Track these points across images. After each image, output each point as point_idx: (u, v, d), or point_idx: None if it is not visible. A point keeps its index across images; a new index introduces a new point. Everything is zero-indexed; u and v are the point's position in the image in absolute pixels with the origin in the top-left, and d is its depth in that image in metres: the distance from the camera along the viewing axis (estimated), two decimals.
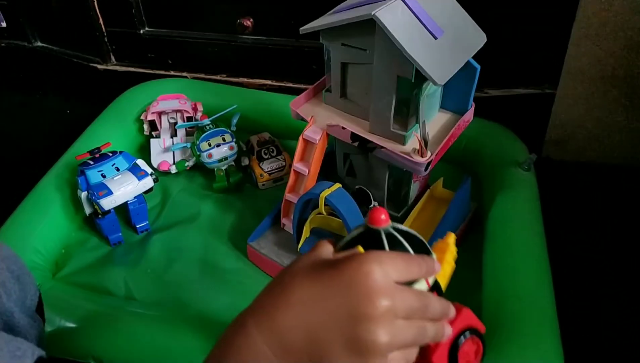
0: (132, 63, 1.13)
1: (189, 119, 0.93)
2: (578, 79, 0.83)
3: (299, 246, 0.69)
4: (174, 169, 0.90)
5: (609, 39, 0.78)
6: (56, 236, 0.76)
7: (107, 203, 0.73)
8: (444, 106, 0.68)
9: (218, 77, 1.06)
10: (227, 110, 0.91)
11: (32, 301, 0.51)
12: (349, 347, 0.30)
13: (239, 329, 0.33)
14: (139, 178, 0.76)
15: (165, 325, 0.61)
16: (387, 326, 0.30)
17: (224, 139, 0.87)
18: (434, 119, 0.66)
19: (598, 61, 0.81)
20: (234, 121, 0.91)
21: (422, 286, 0.34)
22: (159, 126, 0.94)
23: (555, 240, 0.69)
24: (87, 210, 0.77)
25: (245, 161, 0.90)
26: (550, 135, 0.90)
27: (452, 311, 0.35)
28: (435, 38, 0.55)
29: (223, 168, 0.88)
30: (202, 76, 1.07)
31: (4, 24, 1.17)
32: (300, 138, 0.67)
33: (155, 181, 0.79)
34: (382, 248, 0.35)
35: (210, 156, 0.86)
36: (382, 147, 0.61)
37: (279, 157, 0.88)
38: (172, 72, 1.09)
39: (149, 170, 0.79)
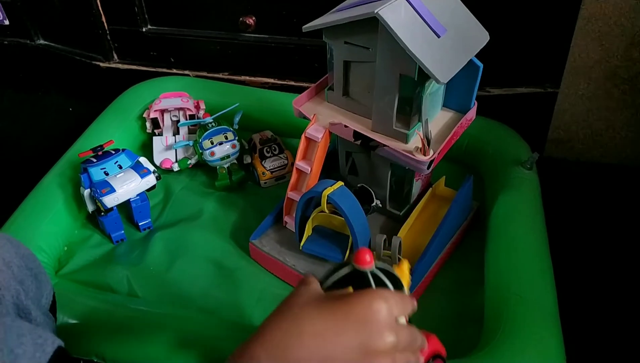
0: (135, 61, 1.13)
1: (192, 117, 0.94)
2: (580, 78, 0.83)
3: (301, 244, 0.69)
4: (176, 167, 0.90)
5: (611, 38, 0.78)
6: (59, 234, 0.76)
7: (110, 201, 0.73)
8: (446, 105, 0.68)
9: (220, 76, 1.06)
10: (230, 108, 0.91)
11: (47, 300, 0.51)
12: None
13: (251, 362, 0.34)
14: (142, 176, 0.76)
15: (167, 322, 0.61)
16: (390, 358, 0.34)
17: (226, 138, 0.87)
18: (437, 118, 0.66)
19: (601, 59, 0.81)
20: (237, 119, 0.91)
21: (402, 320, 0.37)
22: (161, 124, 0.94)
23: (557, 239, 0.69)
24: (90, 208, 0.77)
25: (247, 159, 0.91)
26: (552, 134, 0.90)
27: (425, 341, 0.39)
28: (438, 36, 0.55)
29: (225, 166, 0.88)
30: (205, 74, 1.07)
31: (6, 22, 1.17)
32: (303, 136, 0.67)
33: (157, 178, 0.79)
34: (370, 286, 0.39)
35: (212, 154, 0.86)
36: (384, 145, 0.61)
37: (281, 155, 0.89)
38: (175, 70, 1.09)
39: (152, 168, 0.79)
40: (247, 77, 1.05)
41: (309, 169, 0.67)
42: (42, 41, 1.19)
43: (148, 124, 0.95)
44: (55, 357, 0.37)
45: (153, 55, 1.10)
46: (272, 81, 1.03)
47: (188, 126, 0.94)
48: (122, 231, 0.79)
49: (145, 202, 0.80)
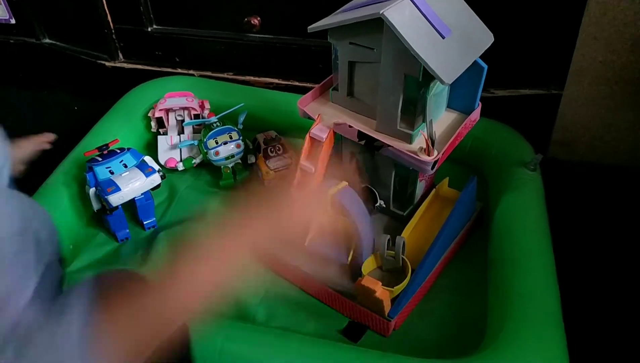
0: (140, 60, 1.13)
1: (196, 116, 0.94)
2: (584, 80, 0.83)
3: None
4: (181, 167, 0.91)
5: (615, 41, 0.78)
6: (64, 232, 0.77)
7: (115, 199, 0.74)
8: (450, 106, 0.68)
9: (225, 75, 1.06)
10: (234, 108, 0.91)
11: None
12: None
13: None
14: (147, 175, 0.77)
15: None
16: None
17: (230, 137, 0.87)
18: (441, 118, 0.67)
19: (604, 62, 0.81)
20: (241, 118, 0.92)
21: None
22: (166, 124, 0.94)
23: (561, 239, 0.69)
24: (95, 206, 0.78)
25: (251, 159, 0.91)
26: (556, 135, 0.90)
27: None
28: (443, 37, 0.55)
29: (230, 165, 0.89)
30: (209, 74, 1.07)
31: (13, 21, 1.18)
32: (307, 136, 0.67)
33: (162, 177, 0.79)
34: None
35: (217, 153, 0.86)
36: (388, 146, 0.61)
37: (285, 155, 0.89)
38: (180, 70, 1.09)
39: (157, 167, 0.79)
40: (252, 78, 1.05)
41: (314, 169, 0.68)
42: (47, 40, 1.20)
43: (153, 124, 0.95)
44: None
45: (158, 54, 1.11)
46: (276, 81, 1.04)
47: (193, 126, 0.94)
48: (127, 230, 0.79)
49: (150, 201, 0.80)
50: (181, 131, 0.94)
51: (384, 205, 0.72)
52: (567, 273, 0.65)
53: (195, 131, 0.95)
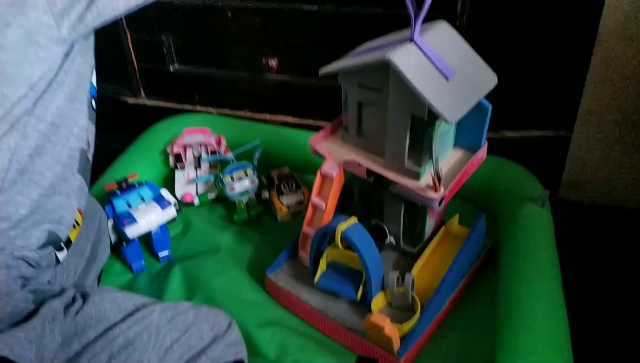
0: (161, 98, 1.18)
1: (213, 152, 0.97)
2: (593, 122, 0.84)
3: (316, 279, 0.70)
4: (196, 201, 0.93)
5: (622, 85, 0.80)
6: None
7: (132, 232, 0.76)
8: (457, 144, 0.69)
9: (242, 113, 1.10)
10: (250, 145, 0.94)
11: None
12: None
13: None
14: (163, 208, 0.80)
15: None
16: None
17: (246, 173, 0.90)
18: (448, 156, 0.68)
19: (613, 105, 0.82)
20: (256, 155, 0.95)
21: None
22: (183, 159, 0.98)
23: (571, 281, 0.68)
24: (113, 238, 0.80)
25: (265, 195, 0.93)
26: (566, 177, 0.91)
27: None
28: (447, 79, 0.57)
29: (244, 200, 0.91)
30: (227, 111, 1.11)
31: None
32: (318, 173, 0.69)
33: (178, 210, 0.82)
34: None
35: (232, 189, 0.89)
36: (396, 183, 0.62)
37: (298, 191, 0.91)
38: (199, 107, 1.14)
39: (172, 200, 0.82)
40: (268, 115, 1.08)
41: (324, 205, 0.69)
42: None
43: (171, 159, 0.99)
44: None
45: (179, 92, 1.16)
46: (291, 119, 1.07)
47: (209, 161, 0.97)
48: (142, 262, 0.81)
49: (166, 233, 0.82)
50: (198, 166, 0.97)
51: (394, 242, 0.73)
52: (577, 314, 0.64)
53: (211, 166, 0.98)
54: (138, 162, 0.97)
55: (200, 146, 0.98)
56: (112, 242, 0.81)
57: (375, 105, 0.64)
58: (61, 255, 0.60)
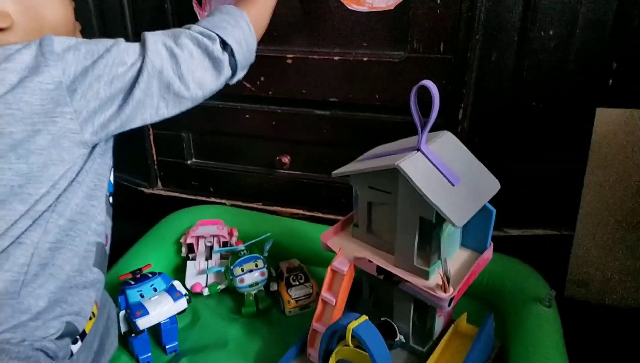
0: (177, 189, 1.23)
1: (225, 244, 1.00)
2: (594, 223, 0.87)
3: None
4: (206, 292, 0.94)
5: (618, 188, 0.84)
6: None
7: (143, 323, 0.77)
8: (464, 244, 0.72)
9: (254, 205, 1.14)
10: (261, 237, 0.97)
11: None
12: None
13: None
14: (175, 299, 0.81)
15: None
16: None
17: (256, 265, 0.92)
18: (455, 256, 0.70)
19: (611, 208, 0.86)
20: (267, 247, 0.97)
21: None
22: (196, 249, 1.00)
23: None
24: (123, 328, 0.81)
25: (274, 287, 0.94)
26: (571, 276, 0.92)
27: None
28: (453, 185, 0.62)
29: (253, 292, 0.92)
30: (240, 203, 1.16)
31: None
32: (329, 269, 0.72)
33: (188, 302, 0.83)
34: None
35: (242, 281, 0.90)
36: (406, 281, 0.64)
37: (306, 284, 0.92)
38: (213, 199, 1.18)
39: (184, 291, 0.83)
40: (279, 208, 1.13)
41: (334, 301, 0.71)
42: None
43: (184, 249, 1.01)
44: None
45: (194, 184, 1.21)
46: (301, 212, 1.11)
47: (220, 253, 1.00)
48: (150, 354, 0.81)
49: (175, 325, 0.82)
50: (209, 257, 1.00)
51: (404, 340, 0.73)
52: None
53: (222, 257, 1.00)
54: (151, 251, 1.00)
55: (213, 237, 1.00)
56: (122, 332, 0.81)
57: (385, 205, 0.68)
58: (75, 348, 0.61)
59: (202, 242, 1.01)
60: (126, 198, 1.30)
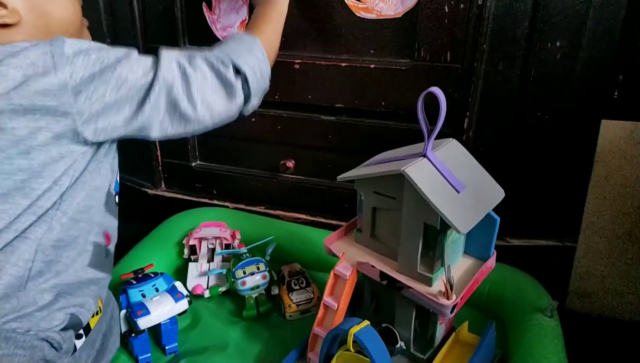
0: (180, 191, 1.24)
1: (227, 246, 1.00)
2: (596, 234, 0.87)
3: None
4: (207, 294, 0.94)
5: (621, 201, 0.84)
6: None
7: (144, 323, 0.77)
8: (467, 252, 0.72)
9: (257, 209, 1.14)
10: (264, 240, 0.97)
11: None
12: None
13: None
14: (176, 300, 0.81)
15: None
16: None
17: (258, 268, 0.92)
18: (458, 264, 0.70)
19: (613, 220, 0.86)
20: (269, 251, 0.97)
21: None
22: (198, 251, 1.00)
23: None
24: (123, 328, 0.81)
25: (275, 290, 0.94)
26: (573, 287, 0.92)
27: None
28: (458, 192, 0.62)
29: (254, 295, 0.92)
30: (243, 206, 1.16)
31: None
32: (332, 273, 0.72)
33: (189, 303, 0.82)
34: None
35: (244, 283, 0.90)
36: (409, 287, 0.64)
37: (307, 289, 0.92)
38: (216, 201, 1.18)
39: (185, 292, 0.83)
40: (281, 212, 1.13)
41: (336, 305, 0.71)
42: None
43: (186, 250, 1.01)
44: None
45: (198, 186, 1.21)
46: (304, 216, 1.11)
47: (222, 255, 1.00)
48: (149, 355, 0.80)
49: (175, 326, 0.82)
50: (211, 259, 1.00)
51: (405, 347, 0.73)
52: None
53: (224, 260, 1.00)
54: (154, 251, 1.00)
55: (216, 239, 1.01)
56: (123, 332, 0.81)
57: (389, 210, 0.68)
58: (79, 343, 0.61)
59: (204, 244, 1.01)
60: (130, 199, 1.31)
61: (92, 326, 0.65)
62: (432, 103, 0.60)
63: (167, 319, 0.81)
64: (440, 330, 0.73)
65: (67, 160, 0.60)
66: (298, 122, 1.04)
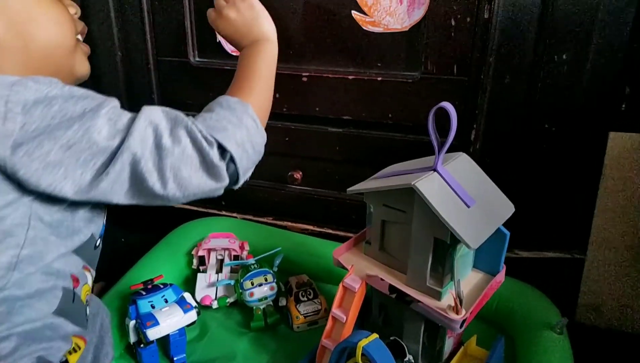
0: (189, 201, 1.24)
1: (236, 257, 1.00)
2: (605, 247, 0.87)
3: None
4: (215, 305, 0.94)
5: (632, 214, 0.84)
6: None
7: (153, 334, 0.77)
8: (476, 266, 0.72)
9: (265, 219, 1.15)
10: (272, 252, 0.98)
11: None
12: None
13: None
14: (185, 311, 0.81)
15: None
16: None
17: (265, 279, 0.92)
18: (467, 278, 0.71)
19: (624, 233, 0.85)
20: (277, 262, 0.97)
21: None
22: (207, 262, 1.01)
23: None
24: (132, 338, 0.81)
25: (282, 302, 0.94)
26: (582, 300, 0.92)
27: None
28: (468, 206, 0.62)
29: (262, 307, 0.92)
30: (250, 217, 1.16)
31: None
32: (340, 285, 0.72)
33: (198, 314, 0.83)
34: None
35: (252, 294, 0.90)
36: (418, 301, 0.64)
37: (315, 300, 0.92)
38: (224, 212, 1.19)
39: (194, 303, 0.84)
40: (289, 223, 1.13)
41: (345, 318, 0.71)
42: None
43: (195, 261, 1.02)
44: None
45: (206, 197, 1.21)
46: (311, 227, 1.11)
47: (231, 266, 1.00)
48: None
49: (183, 337, 0.83)
50: (219, 270, 1.00)
51: (412, 360, 0.73)
52: None
53: (232, 271, 1.01)
54: (163, 262, 1.00)
55: (224, 250, 1.01)
56: (132, 343, 0.81)
57: (398, 224, 0.68)
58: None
59: (213, 255, 1.01)
60: (139, 208, 1.31)
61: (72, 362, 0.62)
62: (440, 116, 0.60)
63: (176, 330, 0.81)
64: (448, 343, 0.73)
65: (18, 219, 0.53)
66: (305, 134, 1.04)
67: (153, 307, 0.81)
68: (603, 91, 0.86)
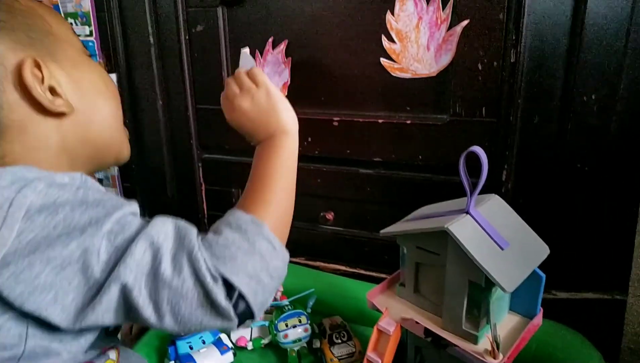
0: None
1: None
2: None
3: None
4: (250, 346, 0.95)
5: None
6: None
7: None
8: (512, 309, 0.72)
9: (297, 260, 1.16)
10: (305, 293, 0.99)
11: None
12: None
13: None
14: (222, 353, 0.83)
15: None
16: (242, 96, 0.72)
17: (300, 321, 0.93)
18: (504, 321, 0.70)
19: None
20: (310, 303, 0.98)
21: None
22: None
23: None
24: None
25: (316, 344, 0.94)
26: (625, 343, 0.88)
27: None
28: (502, 249, 0.62)
29: (296, 348, 0.92)
30: None
31: None
32: (375, 328, 0.72)
33: (234, 355, 0.84)
34: None
35: (286, 336, 0.91)
36: (455, 345, 0.64)
37: (349, 342, 0.92)
38: None
39: (230, 345, 0.85)
40: (321, 263, 1.14)
41: (380, 361, 0.71)
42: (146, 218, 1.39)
43: None
44: None
45: None
46: (343, 268, 1.12)
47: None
48: None
49: None
50: None
51: None
52: None
53: (266, 312, 1.02)
54: None
55: None
56: None
57: (432, 266, 0.69)
58: None
59: None
60: None
61: None
62: (471, 156, 0.62)
63: None
64: None
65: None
66: (337, 176, 1.07)
67: (191, 348, 0.83)
68: (635, 127, 0.85)
